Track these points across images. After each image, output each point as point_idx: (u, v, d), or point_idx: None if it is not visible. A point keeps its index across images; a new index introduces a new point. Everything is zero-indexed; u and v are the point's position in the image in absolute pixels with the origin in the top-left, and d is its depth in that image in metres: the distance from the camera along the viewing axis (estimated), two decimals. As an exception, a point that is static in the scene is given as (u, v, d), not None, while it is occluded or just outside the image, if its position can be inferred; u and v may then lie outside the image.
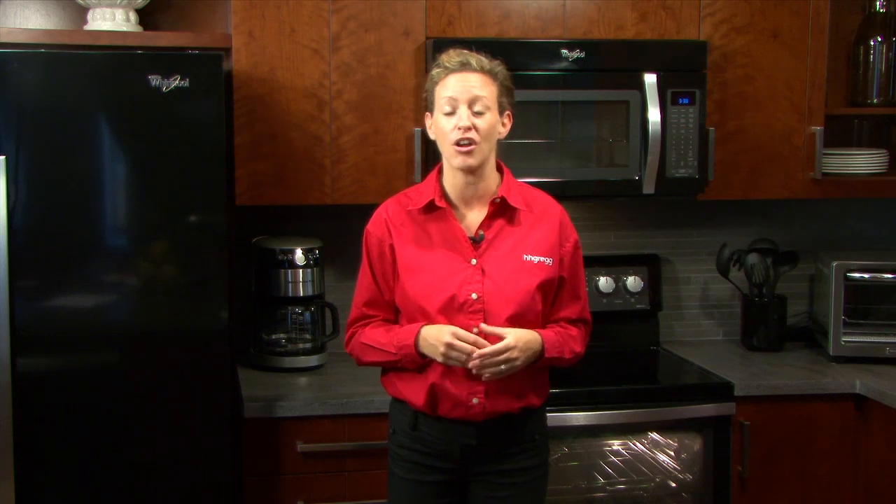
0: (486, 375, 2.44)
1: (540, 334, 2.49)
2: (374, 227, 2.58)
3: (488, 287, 2.47)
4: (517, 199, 2.53)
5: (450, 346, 2.41)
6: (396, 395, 2.61)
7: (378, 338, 2.54)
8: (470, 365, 2.41)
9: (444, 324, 2.46)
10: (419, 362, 2.49)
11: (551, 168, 3.31)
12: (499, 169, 2.58)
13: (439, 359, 2.43)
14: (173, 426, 2.88)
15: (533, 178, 3.21)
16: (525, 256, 2.50)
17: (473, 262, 2.49)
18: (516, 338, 2.43)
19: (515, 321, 2.47)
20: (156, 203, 2.84)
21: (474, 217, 2.53)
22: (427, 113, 2.55)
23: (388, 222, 2.55)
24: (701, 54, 3.36)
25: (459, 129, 2.42)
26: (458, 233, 2.51)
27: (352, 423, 3.04)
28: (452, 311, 2.47)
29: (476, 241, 2.51)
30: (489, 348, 2.41)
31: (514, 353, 2.42)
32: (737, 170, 3.47)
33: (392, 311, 2.59)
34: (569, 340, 2.55)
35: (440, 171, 2.57)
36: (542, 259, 2.51)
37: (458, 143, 2.43)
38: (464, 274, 2.48)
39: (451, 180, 2.53)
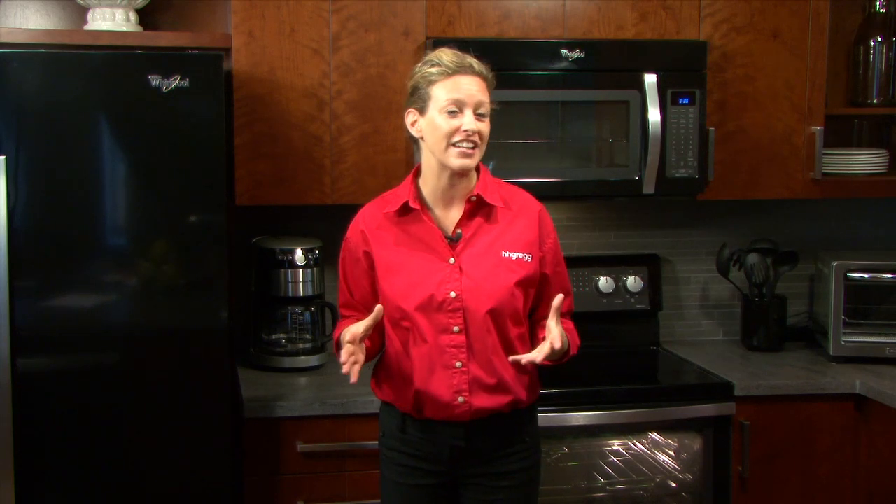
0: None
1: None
2: (352, 233, 2.61)
3: (466, 285, 2.47)
4: (494, 197, 2.53)
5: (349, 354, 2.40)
6: (384, 399, 2.62)
7: (335, 335, 2.65)
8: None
9: (425, 324, 2.47)
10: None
11: (551, 168, 3.31)
12: (476, 168, 2.58)
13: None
14: (173, 426, 2.88)
15: (533, 178, 3.22)
16: (503, 253, 2.51)
17: (451, 261, 2.49)
18: (561, 341, 2.42)
19: (494, 317, 2.48)
20: (156, 203, 2.84)
21: (452, 217, 2.53)
22: (411, 109, 2.51)
23: (363, 229, 2.57)
24: (701, 54, 3.36)
25: (466, 131, 2.43)
26: (434, 233, 2.51)
27: (352, 423, 3.04)
28: (431, 311, 2.47)
29: (453, 241, 2.51)
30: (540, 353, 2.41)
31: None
32: (737, 170, 3.47)
33: (366, 314, 2.58)
34: (573, 336, 2.57)
35: (416, 174, 2.57)
36: (520, 255, 2.51)
37: (459, 145, 2.43)
38: (442, 273, 2.48)
39: (433, 181, 2.52)
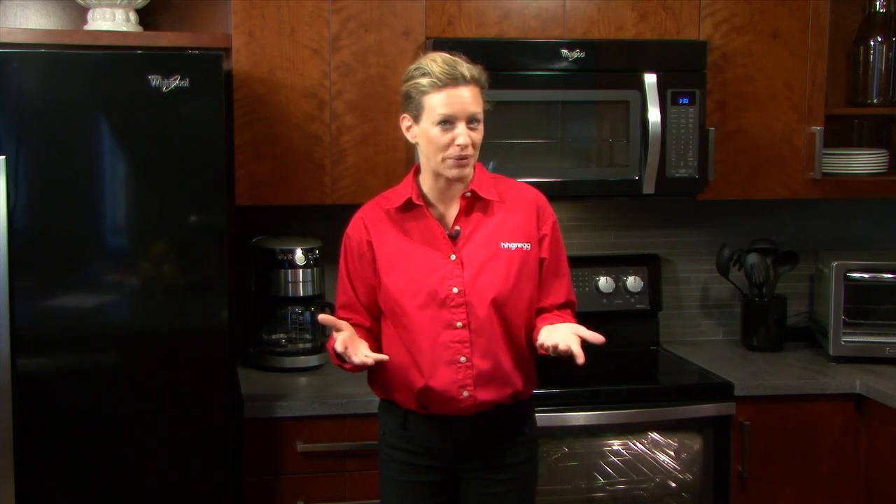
0: None
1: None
2: (353, 229, 2.61)
3: (468, 279, 2.49)
4: (489, 192, 2.55)
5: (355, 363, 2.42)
6: (385, 397, 2.62)
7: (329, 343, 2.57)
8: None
9: (428, 320, 2.48)
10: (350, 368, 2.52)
11: (551, 168, 3.31)
12: None
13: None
14: (173, 426, 2.88)
15: (533, 178, 3.21)
16: (502, 244, 2.52)
17: (453, 257, 2.51)
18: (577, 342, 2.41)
19: (497, 307, 2.49)
20: (156, 203, 2.84)
21: (451, 214, 2.55)
22: (405, 115, 2.51)
23: (365, 223, 2.58)
24: (701, 54, 3.36)
25: (459, 146, 2.43)
26: (435, 230, 2.53)
27: (352, 423, 3.04)
28: (435, 307, 2.49)
29: (453, 238, 2.52)
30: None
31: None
32: (737, 170, 3.47)
33: (367, 317, 2.60)
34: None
35: (416, 172, 2.58)
36: (519, 245, 2.53)
37: (453, 157, 2.44)
38: (444, 270, 2.50)
39: (432, 183, 2.54)
